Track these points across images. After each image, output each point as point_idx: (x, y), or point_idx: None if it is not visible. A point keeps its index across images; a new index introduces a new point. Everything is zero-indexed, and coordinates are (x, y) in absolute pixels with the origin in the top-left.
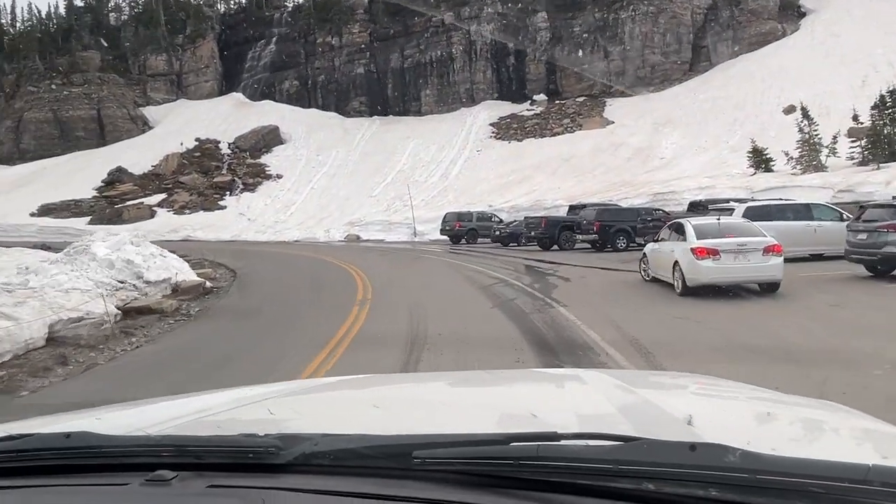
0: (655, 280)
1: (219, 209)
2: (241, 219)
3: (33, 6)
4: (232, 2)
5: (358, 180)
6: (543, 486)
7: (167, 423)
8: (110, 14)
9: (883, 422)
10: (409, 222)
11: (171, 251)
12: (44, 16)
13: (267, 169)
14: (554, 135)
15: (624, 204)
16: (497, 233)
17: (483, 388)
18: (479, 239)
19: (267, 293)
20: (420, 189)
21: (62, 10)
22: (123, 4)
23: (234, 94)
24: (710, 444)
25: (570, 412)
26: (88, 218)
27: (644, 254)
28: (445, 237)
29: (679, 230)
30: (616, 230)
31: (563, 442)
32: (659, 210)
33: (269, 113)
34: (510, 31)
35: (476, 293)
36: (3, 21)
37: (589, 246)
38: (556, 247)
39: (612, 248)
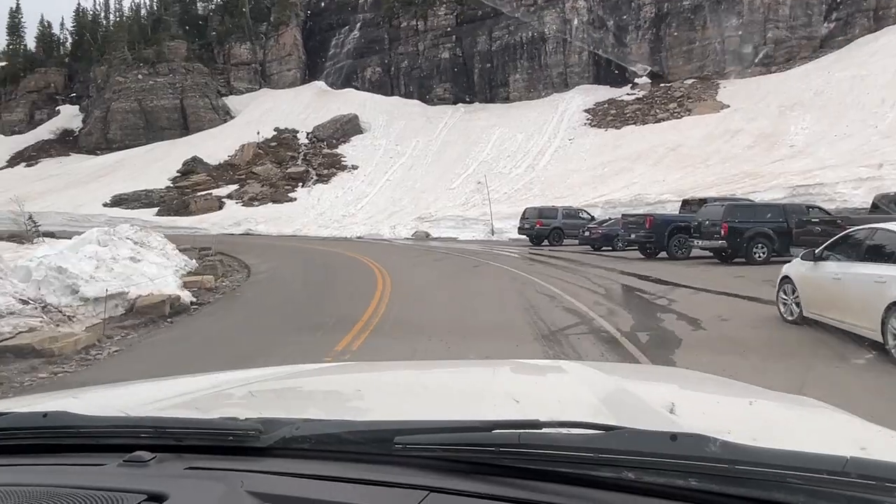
0: (808, 322)
1: (288, 201)
2: (306, 212)
3: None
4: None
5: (436, 172)
6: (525, 474)
7: (147, 406)
8: (198, 4)
9: (861, 418)
10: (486, 218)
11: (205, 248)
12: (134, 7)
13: (343, 159)
14: (658, 121)
15: (755, 199)
16: (587, 233)
17: (467, 377)
18: (564, 240)
19: (253, 314)
20: (503, 181)
21: (153, 2)
22: None
23: (316, 82)
24: (690, 434)
25: (552, 401)
26: (156, 209)
27: (785, 277)
28: (525, 237)
29: (885, 245)
30: (753, 235)
31: (544, 430)
32: (815, 207)
33: (350, 101)
34: (609, 8)
35: (533, 349)
36: (98, 13)
37: (710, 255)
38: (663, 254)
39: (747, 259)
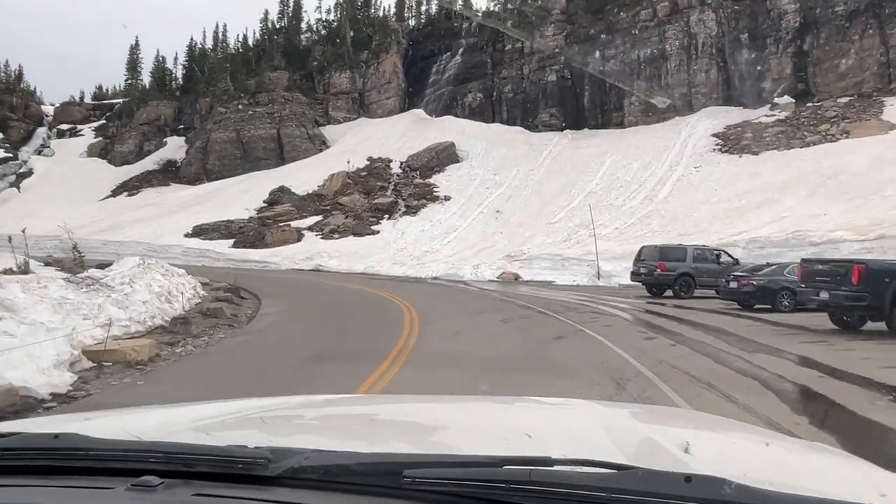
0: None
1: (370, 234)
2: (386, 247)
3: (225, 30)
4: (421, 16)
5: (536, 204)
6: None
7: (158, 431)
8: (303, 35)
9: (877, 466)
10: (590, 258)
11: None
12: (241, 39)
13: (435, 190)
14: (806, 145)
15: None
16: (733, 284)
17: (478, 412)
18: (696, 290)
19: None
20: (614, 214)
21: (260, 34)
22: (316, 25)
23: (415, 110)
24: (705, 476)
25: (564, 439)
26: (233, 240)
27: None
28: (640, 283)
29: None
30: None
31: (556, 467)
32: None
33: (448, 129)
34: (743, 19)
35: None
36: (206, 47)
37: None
38: (883, 323)
39: None
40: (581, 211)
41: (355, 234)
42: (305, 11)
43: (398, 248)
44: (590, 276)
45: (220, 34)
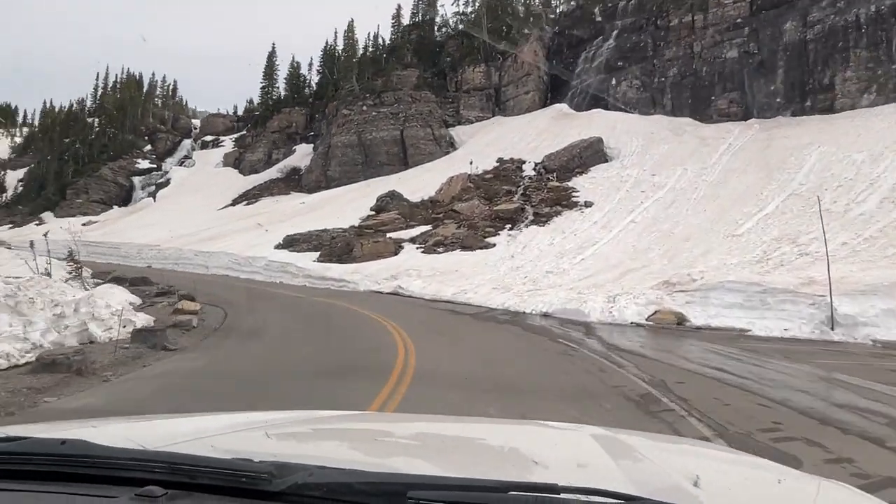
0: None
1: (482, 248)
2: (496, 265)
3: (353, 29)
4: (565, 2)
5: (711, 211)
6: None
7: (163, 441)
8: (437, 31)
9: None
10: (814, 290)
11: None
12: (370, 38)
13: (574, 195)
14: None
15: None
16: None
17: (486, 434)
18: None
19: None
20: (838, 224)
21: (394, 32)
22: (453, 19)
23: (558, 105)
24: None
25: (570, 466)
26: (318, 254)
27: None
28: None
29: None
30: None
31: (562, 495)
32: None
33: (595, 124)
34: None
35: None
36: (338, 50)
37: None
38: None
39: None
40: (780, 219)
41: (464, 248)
42: (442, 5)
43: (512, 266)
44: (815, 324)
45: (351, 34)
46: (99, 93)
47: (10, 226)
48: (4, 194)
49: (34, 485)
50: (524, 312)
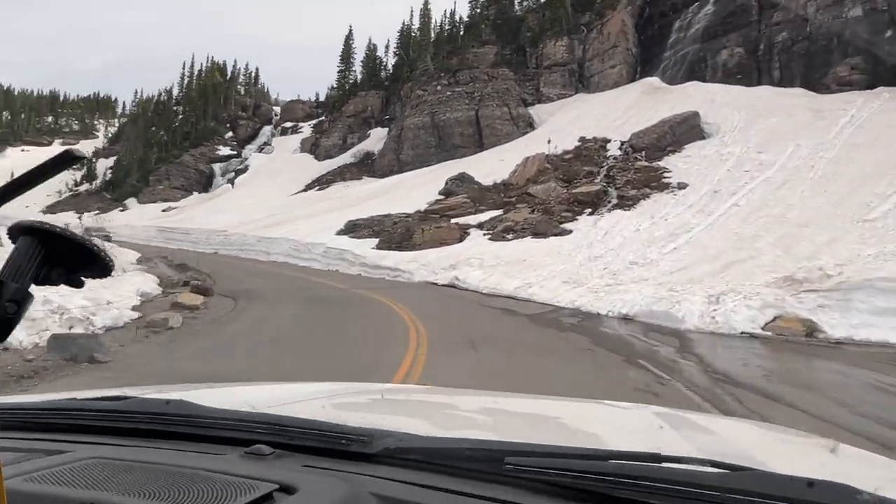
0: None
1: (557, 235)
2: (571, 254)
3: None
4: None
5: (833, 192)
6: None
7: (260, 404)
8: (519, 4)
9: None
10: None
11: None
12: (447, 15)
13: (664, 175)
14: None
15: None
16: None
17: (571, 409)
18: None
19: None
20: None
21: (467, 8)
22: None
23: (648, 79)
24: (832, 482)
25: (666, 440)
26: (377, 240)
27: None
28: None
29: None
30: None
31: (664, 464)
32: None
33: (690, 98)
34: None
35: None
36: (413, 27)
37: None
38: None
39: None
40: None
41: (536, 235)
42: None
43: (590, 255)
44: None
45: (426, 12)
46: (185, 81)
47: (97, 212)
48: (95, 181)
49: (141, 441)
50: (598, 314)
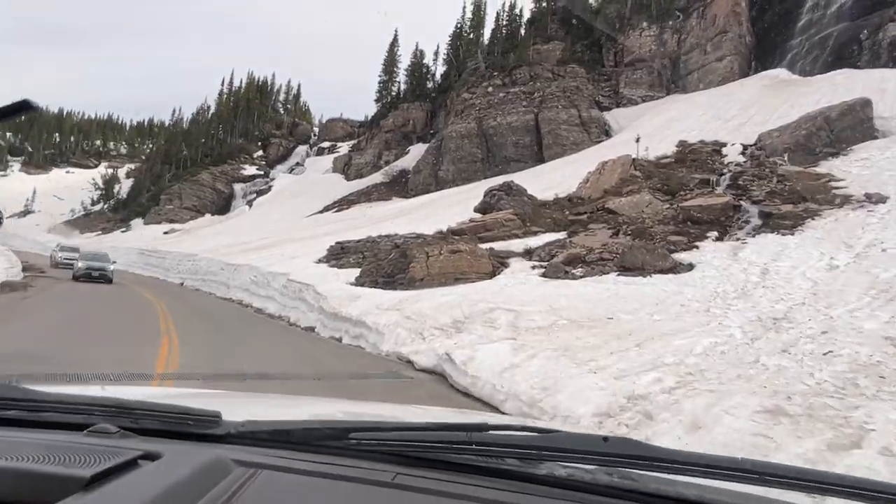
0: None
1: (666, 272)
2: (682, 316)
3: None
4: None
5: None
6: (471, 470)
7: (101, 393)
8: None
9: None
10: None
11: None
12: (505, 9)
13: (834, 184)
14: None
15: None
16: None
17: (411, 409)
18: None
19: None
20: None
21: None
22: None
23: (770, 71)
24: (622, 438)
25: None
26: (359, 271)
27: None
28: None
29: None
30: None
31: (491, 432)
32: None
33: (842, 87)
34: None
35: None
36: (463, 26)
37: None
38: None
39: None
40: None
41: (624, 270)
42: None
43: (746, 317)
44: None
45: (479, 3)
46: (224, 98)
47: (100, 232)
48: (111, 201)
49: None
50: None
